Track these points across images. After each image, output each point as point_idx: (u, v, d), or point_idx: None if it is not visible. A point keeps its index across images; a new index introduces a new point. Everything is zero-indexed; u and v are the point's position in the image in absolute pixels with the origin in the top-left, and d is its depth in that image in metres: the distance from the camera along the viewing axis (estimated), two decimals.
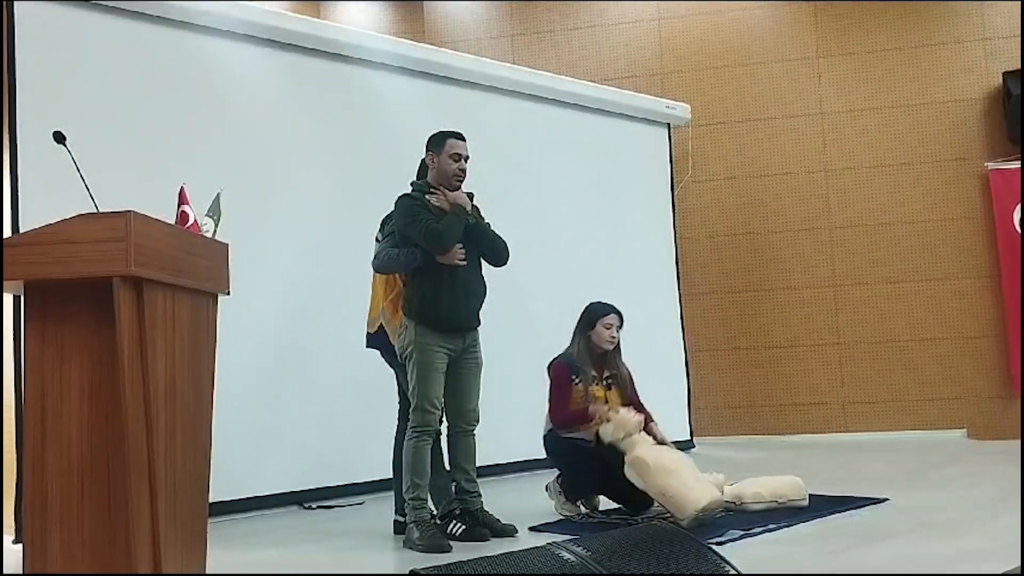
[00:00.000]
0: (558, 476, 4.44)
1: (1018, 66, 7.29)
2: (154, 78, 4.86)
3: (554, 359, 4.45)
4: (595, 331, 4.39)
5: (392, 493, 4.22)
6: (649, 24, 8.07)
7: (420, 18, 8.32)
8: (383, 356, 4.26)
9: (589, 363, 4.38)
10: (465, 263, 3.88)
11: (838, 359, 7.67)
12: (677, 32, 8.04)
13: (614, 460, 4.10)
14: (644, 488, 3.99)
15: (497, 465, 5.76)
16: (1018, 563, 2.92)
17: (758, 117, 7.88)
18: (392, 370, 4.23)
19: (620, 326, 4.42)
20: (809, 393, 7.69)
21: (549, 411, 4.39)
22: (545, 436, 4.44)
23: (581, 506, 4.35)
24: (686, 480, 3.93)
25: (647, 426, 4.25)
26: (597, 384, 4.38)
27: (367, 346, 4.31)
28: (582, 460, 4.25)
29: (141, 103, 4.78)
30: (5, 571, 3.40)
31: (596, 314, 4.41)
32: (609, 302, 4.46)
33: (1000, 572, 2.85)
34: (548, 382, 4.43)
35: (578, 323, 4.47)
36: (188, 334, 2.83)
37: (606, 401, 4.34)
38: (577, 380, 4.33)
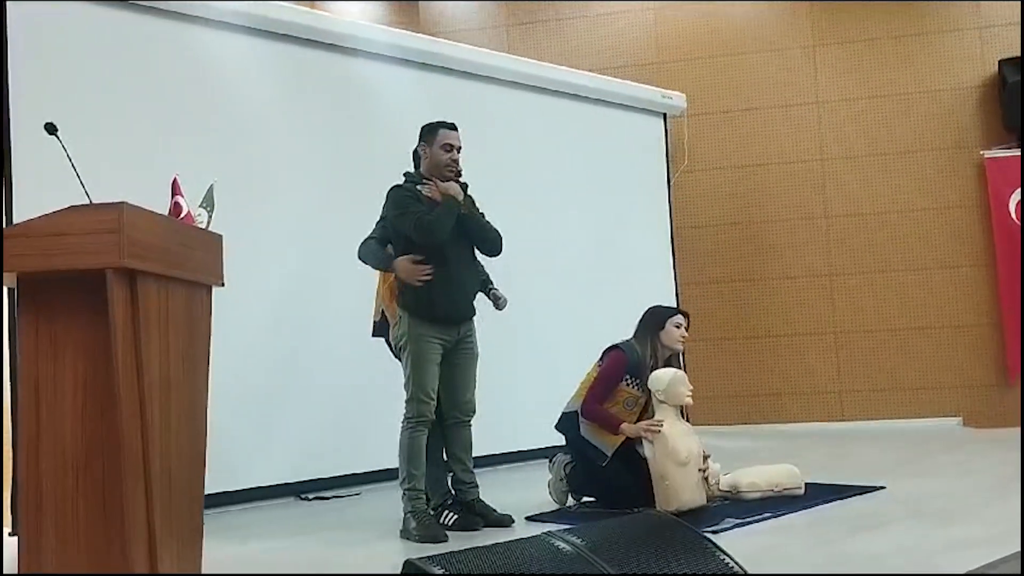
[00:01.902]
0: (569, 462, 4.36)
1: (1013, 54, 7.28)
2: (147, 69, 4.84)
3: (614, 346, 4.25)
4: (665, 331, 4.21)
5: (393, 484, 4.20)
6: (644, 13, 8.05)
7: (415, 8, 8.28)
8: (387, 344, 4.24)
9: (656, 368, 4.15)
10: (428, 281, 3.83)
11: (834, 348, 7.68)
12: (672, 21, 8.02)
13: (625, 481, 4.06)
14: (649, 458, 3.95)
15: (494, 455, 5.76)
16: (1012, 550, 2.93)
17: (754, 106, 7.86)
18: (397, 359, 4.20)
19: (687, 327, 4.28)
20: (805, 382, 7.70)
21: (586, 395, 4.20)
22: (566, 415, 4.28)
23: (571, 496, 4.35)
24: (688, 478, 3.94)
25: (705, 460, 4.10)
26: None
27: (373, 334, 4.30)
28: (597, 465, 4.16)
29: (134, 94, 4.76)
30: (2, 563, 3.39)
31: (664, 314, 4.26)
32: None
33: (995, 559, 2.86)
34: (600, 364, 4.25)
35: (641, 325, 4.28)
36: (183, 326, 2.82)
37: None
38: (631, 382, 4.16)
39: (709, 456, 4.10)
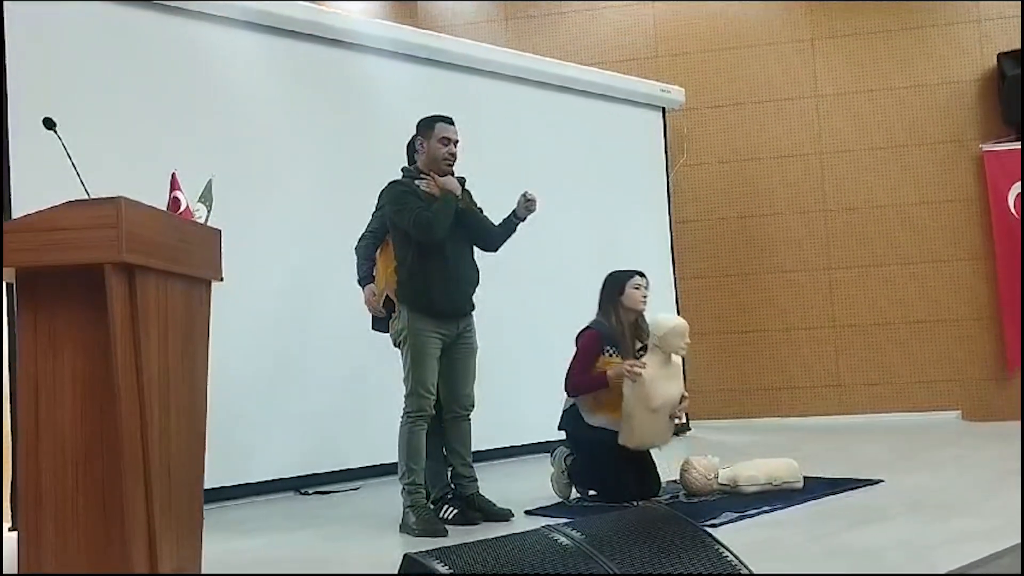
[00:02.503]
0: (570, 455, 4.37)
1: (1012, 47, 7.27)
2: (145, 64, 4.83)
3: (584, 328, 4.30)
4: (625, 295, 4.26)
5: (393, 478, 4.20)
6: (643, 7, 8.04)
7: (413, 4, 8.27)
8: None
9: (625, 334, 4.24)
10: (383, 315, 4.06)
11: (832, 342, 7.69)
12: (671, 16, 8.01)
13: (626, 473, 4.11)
14: (625, 395, 4.05)
15: (493, 450, 5.77)
16: (1011, 543, 2.94)
17: (753, 100, 7.86)
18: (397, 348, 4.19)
19: (648, 285, 4.33)
20: (804, 376, 7.71)
21: (567, 374, 4.22)
22: (566, 412, 4.29)
23: (575, 490, 4.36)
24: (655, 423, 4.11)
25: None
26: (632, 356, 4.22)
27: (372, 328, 4.29)
28: (603, 455, 4.15)
29: (132, 89, 4.76)
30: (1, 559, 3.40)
31: (622, 279, 4.30)
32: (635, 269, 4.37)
33: (994, 553, 2.86)
34: (575, 350, 4.27)
35: (603, 293, 4.33)
36: (181, 321, 2.82)
37: None
38: (611, 352, 4.20)
39: (687, 397, 4.23)
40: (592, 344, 4.22)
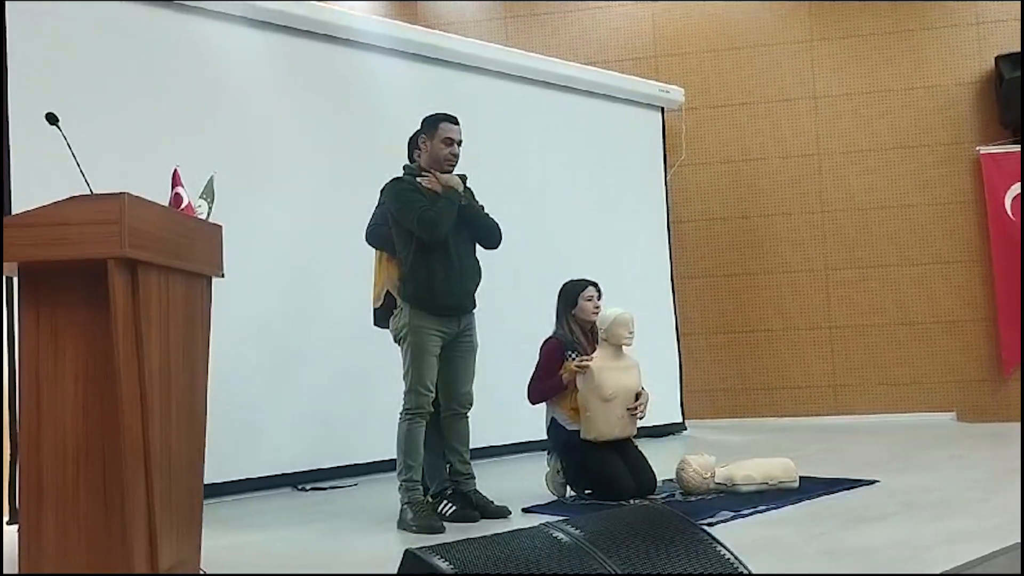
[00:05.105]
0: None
1: (1010, 50, 7.29)
2: (147, 60, 4.84)
3: (547, 339, 4.44)
4: (579, 307, 4.40)
5: (390, 475, 4.22)
6: (643, 7, 8.04)
7: (413, 2, 8.27)
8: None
9: (582, 340, 4.40)
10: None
11: (830, 342, 7.71)
12: (671, 15, 8.02)
13: (616, 468, 4.17)
14: (579, 390, 4.19)
15: (491, 447, 5.78)
16: (1006, 544, 2.95)
17: (751, 100, 7.87)
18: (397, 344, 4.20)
19: (600, 296, 4.45)
20: (800, 376, 7.72)
21: (529, 384, 4.36)
22: (549, 429, 4.40)
23: (570, 489, 4.38)
24: (609, 413, 4.20)
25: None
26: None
27: (375, 324, 4.30)
28: (592, 457, 4.23)
29: (134, 85, 4.76)
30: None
31: (575, 291, 4.43)
32: (588, 279, 4.48)
33: (988, 553, 2.88)
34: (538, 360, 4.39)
35: (558, 305, 4.47)
36: (182, 316, 2.83)
37: None
38: (573, 356, 4.31)
39: (642, 391, 4.32)
40: (552, 352, 4.37)
